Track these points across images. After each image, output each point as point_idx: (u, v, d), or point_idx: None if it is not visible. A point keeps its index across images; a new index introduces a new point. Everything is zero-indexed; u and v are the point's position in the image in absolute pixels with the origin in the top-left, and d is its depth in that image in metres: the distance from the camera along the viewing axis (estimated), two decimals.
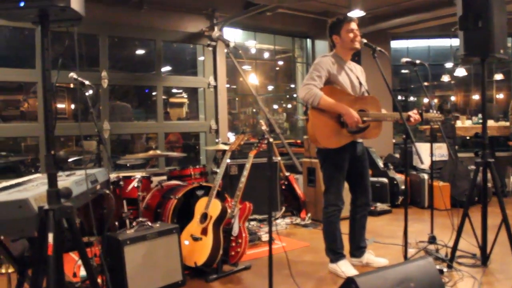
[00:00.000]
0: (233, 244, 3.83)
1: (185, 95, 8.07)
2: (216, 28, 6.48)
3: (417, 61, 4.16)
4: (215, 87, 6.70)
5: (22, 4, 1.80)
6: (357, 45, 3.74)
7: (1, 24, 5.19)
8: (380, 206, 6.25)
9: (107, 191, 4.08)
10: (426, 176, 6.45)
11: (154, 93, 6.54)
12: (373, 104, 3.80)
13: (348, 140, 3.69)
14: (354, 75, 3.84)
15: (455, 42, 8.19)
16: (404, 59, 4.14)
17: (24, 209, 1.86)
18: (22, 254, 4.10)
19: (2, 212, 1.86)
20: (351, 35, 3.72)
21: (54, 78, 2.06)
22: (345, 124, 3.62)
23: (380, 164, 6.89)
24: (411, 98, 10.16)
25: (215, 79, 6.69)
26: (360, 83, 3.87)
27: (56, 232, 1.87)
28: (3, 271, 3.50)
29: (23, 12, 1.87)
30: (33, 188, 2.27)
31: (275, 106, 8.87)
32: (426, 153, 4.61)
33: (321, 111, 3.58)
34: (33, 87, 5.71)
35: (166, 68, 6.65)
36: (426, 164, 4.81)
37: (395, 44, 8.60)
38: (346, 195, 3.88)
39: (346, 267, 3.74)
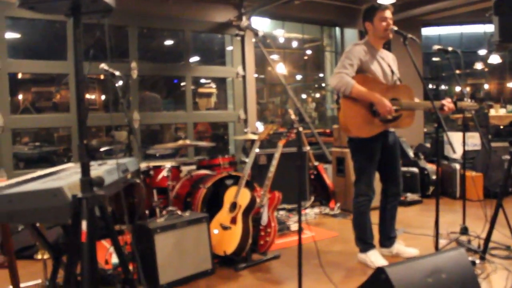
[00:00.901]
0: (262, 233, 3.85)
1: (213, 85, 8.10)
2: (244, 18, 6.47)
3: (450, 48, 4.07)
4: (244, 77, 6.71)
5: None
6: (390, 34, 3.68)
7: (34, 18, 5.31)
8: (410, 196, 6.17)
9: (138, 180, 4.14)
10: (458, 166, 6.33)
11: (182, 84, 6.58)
12: (405, 92, 3.75)
13: (380, 130, 3.65)
14: (386, 64, 3.78)
15: (489, 28, 7.99)
16: (436, 46, 4.05)
17: (59, 197, 1.90)
18: (56, 241, 4.21)
19: (38, 200, 1.91)
20: (384, 23, 3.65)
21: (85, 69, 2.09)
22: (377, 113, 3.57)
23: (411, 153, 6.79)
24: (442, 87, 9.96)
25: (244, 69, 6.69)
26: (392, 72, 3.81)
27: (89, 220, 1.91)
28: (39, 257, 3.60)
29: (56, 5, 1.91)
30: (66, 177, 2.33)
31: (304, 96, 8.82)
32: (458, 143, 4.52)
33: (353, 100, 3.54)
34: (64, 78, 5.82)
35: (194, 59, 6.68)
36: (458, 154, 4.73)
37: (426, 31, 8.43)
38: (377, 185, 3.85)
39: (375, 257, 3.72)
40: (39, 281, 3.60)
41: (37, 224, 2.86)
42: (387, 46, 3.95)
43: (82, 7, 1.96)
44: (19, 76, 6.08)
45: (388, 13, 3.67)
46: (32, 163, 6.08)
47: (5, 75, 5.12)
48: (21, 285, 3.35)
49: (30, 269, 3.97)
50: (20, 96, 6.75)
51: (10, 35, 5.33)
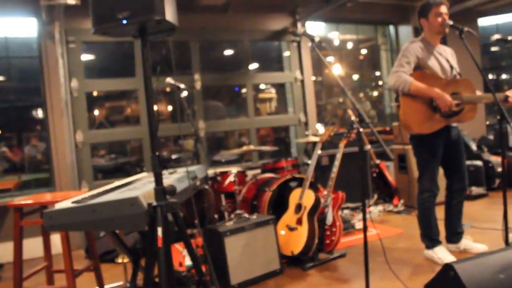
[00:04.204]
0: (328, 232, 3.82)
1: (273, 90, 8.13)
2: (299, 24, 6.46)
3: (510, 37, 3.86)
4: (302, 81, 6.70)
5: (124, 21, 1.93)
6: (445, 29, 3.56)
7: (105, 40, 5.56)
8: (475, 190, 5.91)
9: (206, 186, 4.22)
10: None
11: (243, 90, 6.66)
12: (466, 86, 3.60)
13: (442, 125, 3.53)
14: (443, 59, 3.65)
15: None
16: (495, 37, 3.85)
17: (136, 206, 1.98)
18: (134, 245, 4.36)
19: (117, 209, 2.00)
20: (440, 19, 3.53)
21: (153, 84, 2.17)
22: (437, 109, 3.47)
23: (473, 147, 6.52)
24: (504, 76, 9.46)
25: (302, 73, 6.68)
26: (451, 66, 3.68)
27: (164, 226, 1.98)
28: (120, 260, 3.76)
29: (125, 29, 2.00)
30: (141, 187, 2.42)
31: (361, 95, 8.67)
32: None
33: (412, 97, 3.46)
34: (134, 93, 6.04)
35: (253, 66, 6.74)
36: None
37: (482, 21, 8.06)
38: (441, 180, 3.72)
39: (443, 253, 3.59)
40: (121, 283, 3.75)
41: (117, 231, 2.99)
42: (443, 40, 3.81)
43: (148, 29, 2.04)
44: (94, 93, 6.35)
45: (443, 9, 3.55)
46: (109, 174, 6.33)
47: (82, 95, 5.40)
48: (105, 286, 3.51)
49: (112, 272, 4.14)
50: (96, 112, 7.05)
51: (85, 57, 5.61)
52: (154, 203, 2.00)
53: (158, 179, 2.05)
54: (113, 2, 1.95)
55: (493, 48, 8.95)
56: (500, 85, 8.93)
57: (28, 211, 3.16)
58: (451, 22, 3.50)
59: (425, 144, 3.62)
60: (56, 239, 4.32)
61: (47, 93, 5.20)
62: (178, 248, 4.47)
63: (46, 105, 5.23)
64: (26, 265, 3.11)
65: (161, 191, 2.04)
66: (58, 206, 2.12)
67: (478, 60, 7.17)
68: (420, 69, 3.55)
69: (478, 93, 3.67)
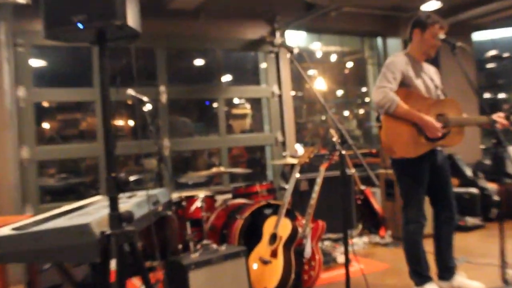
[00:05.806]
0: (306, 267, 3.82)
1: (248, 105, 8.16)
2: (278, 34, 6.52)
3: (505, 54, 3.97)
4: (280, 96, 6.73)
5: (81, 26, 1.91)
6: (432, 53, 3.65)
7: (58, 45, 5.50)
8: (470, 220, 5.98)
9: (169, 213, 4.19)
10: None
11: (215, 105, 6.66)
12: (452, 107, 3.67)
13: (427, 149, 3.57)
14: (428, 77, 3.73)
15: None
16: (490, 53, 3.96)
17: (86, 234, 1.95)
18: (85, 279, 4.28)
19: (64, 237, 1.96)
20: (434, 41, 3.61)
21: (112, 96, 2.15)
22: (422, 131, 3.52)
23: (468, 172, 6.62)
24: (504, 95, 9.68)
25: (280, 87, 6.72)
26: (436, 86, 3.75)
27: (119, 258, 1.94)
28: None
29: (81, 34, 1.99)
30: (94, 212, 2.38)
31: (346, 113, 8.75)
32: None
33: (395, 117, 3.49)
34: (91, 105, 5.98)
35: (227, 77, 6.76)
36: None
37: (478, 36, 8.29)
38: (428, 209, 3.75)
39: None
40: None
41: (64, 263, 2.93)
42: (435, 56, 3.88)
43: (107, 34, 2.03)
44: (45, 104, 6.27)
45: (442, 35, 3.60)
46: (59, 196, 6.21)
47: (30, 105, 5.31)
48: None
49: None
50: (46, 125, 6.94)
51: (35, 62, 5.54)
52: (108, 232, 1.97)
53: (113, 204, 2.02)
54: (67, 4, 1.94)
55: (489, 65, 9.18)
56: (497, 105, 9.13)
57: None
58: (442, 36, 3.57)
59: (409, 169, 3.65)
60: None
61: None
62: (136, 283, 4.40)
63: None
64: None
65: (116, 217, 2.01)
66: None
67: (473, 78, 7.35)
68: (404, 86, 3.60)
69: (464, 115, 3.74)
